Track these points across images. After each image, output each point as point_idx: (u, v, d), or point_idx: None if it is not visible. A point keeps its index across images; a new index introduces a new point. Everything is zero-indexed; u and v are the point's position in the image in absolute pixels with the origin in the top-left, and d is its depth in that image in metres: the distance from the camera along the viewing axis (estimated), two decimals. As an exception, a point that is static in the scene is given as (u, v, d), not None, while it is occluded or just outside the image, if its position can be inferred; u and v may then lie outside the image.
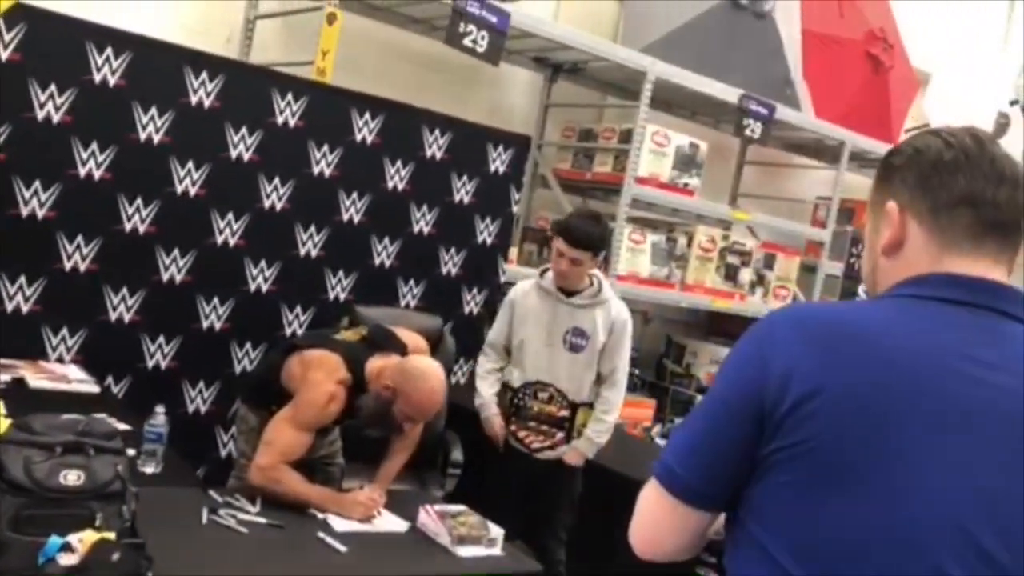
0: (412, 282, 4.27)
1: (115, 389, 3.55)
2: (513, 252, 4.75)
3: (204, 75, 3.57)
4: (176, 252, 3.63)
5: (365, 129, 3.99)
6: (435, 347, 3.69)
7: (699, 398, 5.30)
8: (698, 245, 5.31)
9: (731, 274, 5.50)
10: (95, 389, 3.24)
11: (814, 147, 6.47)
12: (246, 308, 3.80)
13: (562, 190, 5.24)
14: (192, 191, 3.62)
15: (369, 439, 3.02)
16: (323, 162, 3.91)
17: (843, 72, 6.10)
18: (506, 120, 5.14)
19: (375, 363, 2.83)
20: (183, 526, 2.27)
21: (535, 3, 5.19)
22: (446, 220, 4.30)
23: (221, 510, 2.39)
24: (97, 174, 3.42)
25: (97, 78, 3.37)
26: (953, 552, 1.05)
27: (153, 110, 3.49)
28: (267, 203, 3.79)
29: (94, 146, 3.40)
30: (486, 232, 4.46)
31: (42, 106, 3.28)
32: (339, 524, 2.49)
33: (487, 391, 3.59)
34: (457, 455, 3.70)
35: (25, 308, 3.37)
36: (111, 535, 1.96)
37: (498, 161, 4.43)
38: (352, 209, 4.02)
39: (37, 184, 3.32)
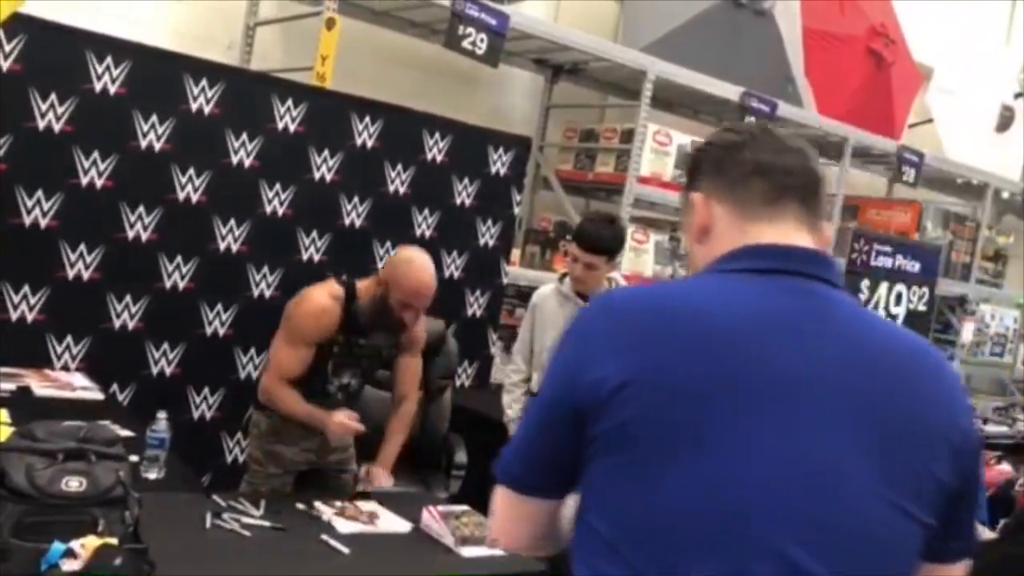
0: (415, 285, 4.27)
1: (120, 396, 3.57)
2: (515, 254, 4.76)
3: (204, 82, 3.59)
4: (179, 259, 3.64)
5: (365, 133, 4.00)
6: (438, 350, 3.70)
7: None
8: (701, 244, 5.30)
9: (735, 272, 5.49)
10: (100, 396, 3.25)
11: (817, 144, 6.43)
12: (249, 314, 3.81)
13: (564, 191, 5.25)
14: (194, 198, 3.63)
15: (377, 439, 3.05)
16: (324, 167, 3.92)
17: (845, 69, 6.09)
18: (507, 122, 5.15)
19: (365, 280, 2.96)
20: (186, 530, 2.28)
21: (534, 4, 5.21)
22: (447, 223, 4.31)
23: (224, 514, 2.40)
24: (99, 182, 3.44)
25: (97, 87, 3.39)
26: (780, 522, 1.06)
27: (154, 118, 3.50)
28: (268, 209, 3.81)
29: (95, 155, 3.42)
30: (488, 234, 4.46)
31: (43, 115, 3.30)
32: (342, 526, 2.50)
33: (514, 409, 3.60)
34: (461, 457, 3.71)
35: (30, 317, 3.39)
36: (113, 540, 1.97)
37: (499, 163, 4.44)
38: (354, 214, 4.03)
39: (39, 193, 3.34)
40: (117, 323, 3.55)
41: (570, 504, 1.22)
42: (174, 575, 2.00)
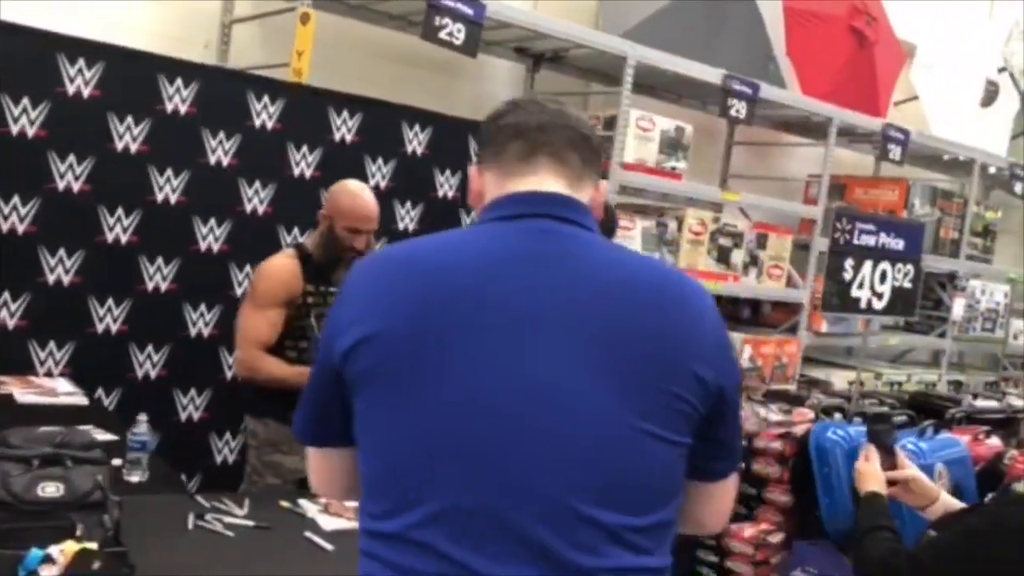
0: (400, 279, 4.26)
1: (106, 400, 3.55)
2: (501, 244, 4.74)
3: (179, 82, 3.57)
4: (160, 261, 3.63)
5: (344, 128, 3.99)
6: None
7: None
8: (688, 229, 5.29)
9: (723, 256, 5.47)
10: (84, 401, 3.24)
11: (802, 125, 6.43)
12: (234, 313, 3.76)
13: (549, 180, 5.22)
14: (173, 199, 3.61)
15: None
16: (303, 163, 3.90)
17: (827, 48, 6.06)
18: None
19: (310, 235, 3.09)
20: (168, 532, 2.26)
21: (512, -7, 5.17)
22: (431, 216, 4.29)
23: (207, 515, 2.39)
24: (76, 186, 3.42)
25: (71, 90, 3.36)
26: (502, 434, 1.16)
27: (129, 119, 3.48)
28: (248, 207, 3.79)
29: (71, 158, 3.40)
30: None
31: (16, 120, 3.28)
32: (326, 523, 2.49)
33: None
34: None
35: (11, 324, 3.37)
36: (93, 545, 1.96)
37: (480, 154, 4.42)
38: (335, 209, 4.01)
39: (16, 199, 3.32)
40: (100, 327, 3.54)
41: None
42: (155, 577, 1.99)
